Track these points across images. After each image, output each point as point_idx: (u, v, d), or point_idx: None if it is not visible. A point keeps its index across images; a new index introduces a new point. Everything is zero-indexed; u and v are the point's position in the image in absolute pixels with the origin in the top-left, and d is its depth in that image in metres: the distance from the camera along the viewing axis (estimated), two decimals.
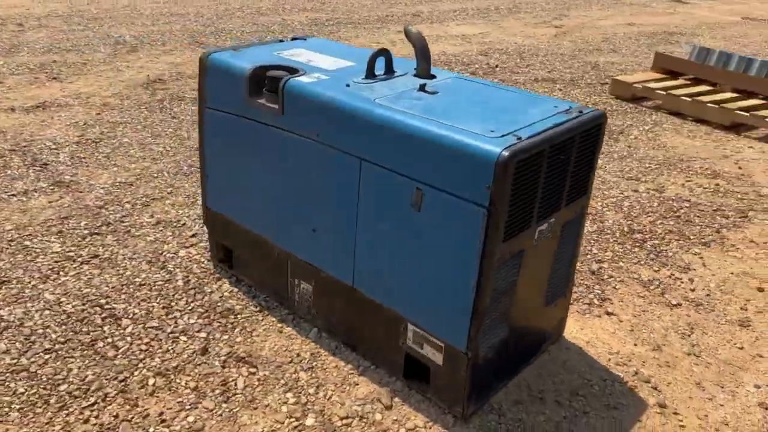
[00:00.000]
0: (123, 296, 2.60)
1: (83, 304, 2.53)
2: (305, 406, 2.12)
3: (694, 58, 5.58)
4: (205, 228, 3.09)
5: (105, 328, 2.42)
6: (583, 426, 2.10)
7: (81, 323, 2.43)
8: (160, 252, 2.92)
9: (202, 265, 2.84)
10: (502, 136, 1.81)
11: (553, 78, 6.09)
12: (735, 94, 5.15)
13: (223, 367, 2.27)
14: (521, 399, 2.19)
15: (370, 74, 2.27)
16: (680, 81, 5.48)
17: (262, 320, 2.51)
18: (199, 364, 2.28)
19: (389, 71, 2.35)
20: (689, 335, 2.56)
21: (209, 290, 2.67)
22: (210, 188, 2.69)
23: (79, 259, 2.82)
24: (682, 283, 2.91)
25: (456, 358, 2.02)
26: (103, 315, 2.49)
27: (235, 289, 2.68)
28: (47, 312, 2.47)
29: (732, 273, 3.02)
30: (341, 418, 2.08)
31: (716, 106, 4.89)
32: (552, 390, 2.24)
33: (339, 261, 2.27)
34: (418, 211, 1.95)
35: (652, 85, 5.33)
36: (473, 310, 1.91)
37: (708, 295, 2.83)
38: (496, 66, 6.42)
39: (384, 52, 2.32)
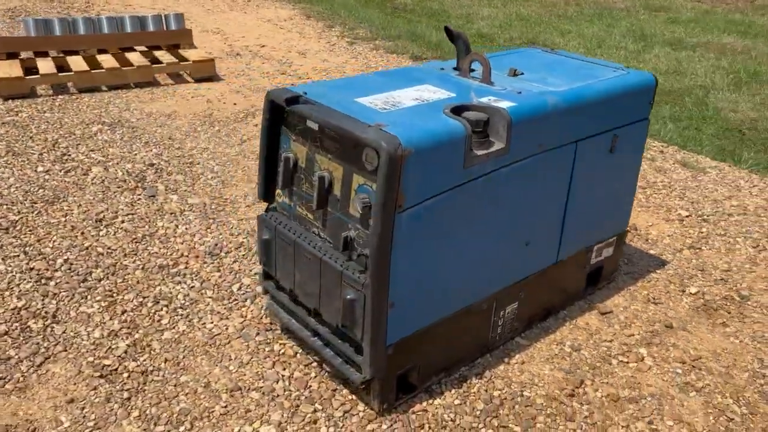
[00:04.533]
0: None
1: None
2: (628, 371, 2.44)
3: (34, 33, 5.11)
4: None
5: None
6: None
7: None
8: None
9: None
10: (624, 69, 2.52)
11: None
12: (118, 53, 5.26)
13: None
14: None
15: (491, 81, 2.23)
16: (48, 60, 5.03)
17: (524, 367, 2.28)
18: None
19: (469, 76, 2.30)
20: None
21: (461, 417, 2.08)
22: (396, 316, 1.93)
23: None
24: None
25: (622, 237, 2.75)
26: None
27: (451, 391, 2.17)
28: None
29: None
30: (625, 343, 2.54)
31: (134, 66, 4.99)
32: None
33: (547, 252, 2.39)
34: (612, 153, 2.45)
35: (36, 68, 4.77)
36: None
37: None
38: None
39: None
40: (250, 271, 2.79)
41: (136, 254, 2.86)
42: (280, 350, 2.33)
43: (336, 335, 2.08)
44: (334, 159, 1.94)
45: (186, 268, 2.78)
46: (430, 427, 2.04)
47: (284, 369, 2.24)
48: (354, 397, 2.13)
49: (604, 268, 2.75)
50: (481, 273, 2.16)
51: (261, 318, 2.49)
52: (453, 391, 2.19)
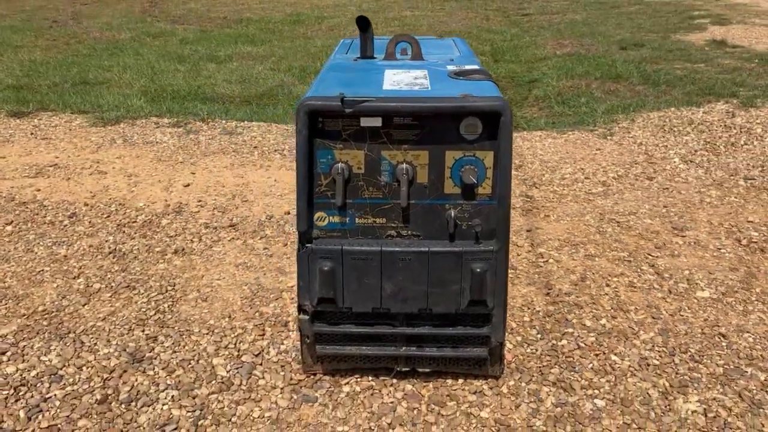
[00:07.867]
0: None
1: None
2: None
3: None
4: None
5: None
6: None
7: None
8: None
9: None
10: (439, 37, 2.96)
11: None
12: None
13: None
14: None
15: (423, 58, 2.38)
16: None
17: (513, 293, 2.55)
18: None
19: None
20: None
21: (535, 347, 2.28)
22: None
23: None
24: None
25: None
26: None
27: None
28: None
29: None
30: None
31: None
32: None
33: None
34: None
35: None
36: None
37: None
38: None
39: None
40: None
41: None
42: (356, 390, 2.07)
43: (444, 326, 2.01)
44: (413, 147, 1.87)
45: None
46: (536, 365, 2.20)
47: (383, 399, 2.03)
48: (462, 380, 2.11)
49: None
50: None
51: (290, 379, 2.12)
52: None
